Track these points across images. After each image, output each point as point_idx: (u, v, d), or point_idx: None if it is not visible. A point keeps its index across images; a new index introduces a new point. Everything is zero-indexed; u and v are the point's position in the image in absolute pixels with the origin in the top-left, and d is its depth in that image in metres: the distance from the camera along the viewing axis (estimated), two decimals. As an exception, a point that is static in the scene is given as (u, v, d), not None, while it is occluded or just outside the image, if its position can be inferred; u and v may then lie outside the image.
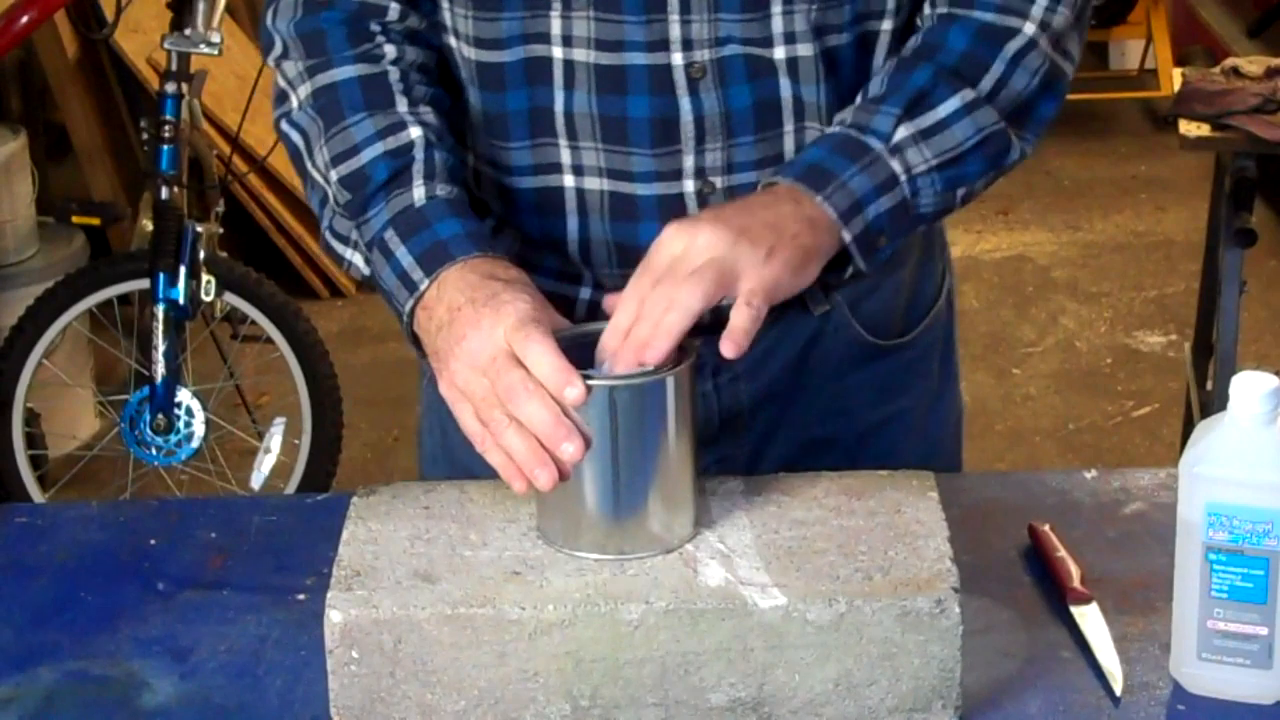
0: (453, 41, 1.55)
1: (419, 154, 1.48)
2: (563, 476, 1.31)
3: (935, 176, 1.48)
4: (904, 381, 1.68)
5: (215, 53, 3.58)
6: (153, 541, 1.60)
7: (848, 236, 1.44)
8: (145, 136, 3.68)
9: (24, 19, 3.86)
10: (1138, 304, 5.04)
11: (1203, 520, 1.31)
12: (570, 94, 1.51)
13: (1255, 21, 5.52)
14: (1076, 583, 1.46)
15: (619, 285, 1.55)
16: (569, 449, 1.30)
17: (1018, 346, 4.78)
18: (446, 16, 1.54)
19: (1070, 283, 5.18)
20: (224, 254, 3.85)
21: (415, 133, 1.49)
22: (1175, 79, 3.67)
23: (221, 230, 3.82)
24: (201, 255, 3.59)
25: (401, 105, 1.50)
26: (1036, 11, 1.50)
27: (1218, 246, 3.52)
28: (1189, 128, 3.41)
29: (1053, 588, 1.47)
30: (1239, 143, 3.40)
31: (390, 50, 1.53)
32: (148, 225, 3.68)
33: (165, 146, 3.58)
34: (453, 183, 1.48)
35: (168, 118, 3.57)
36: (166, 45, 3.58)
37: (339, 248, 1.54)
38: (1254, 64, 3.64)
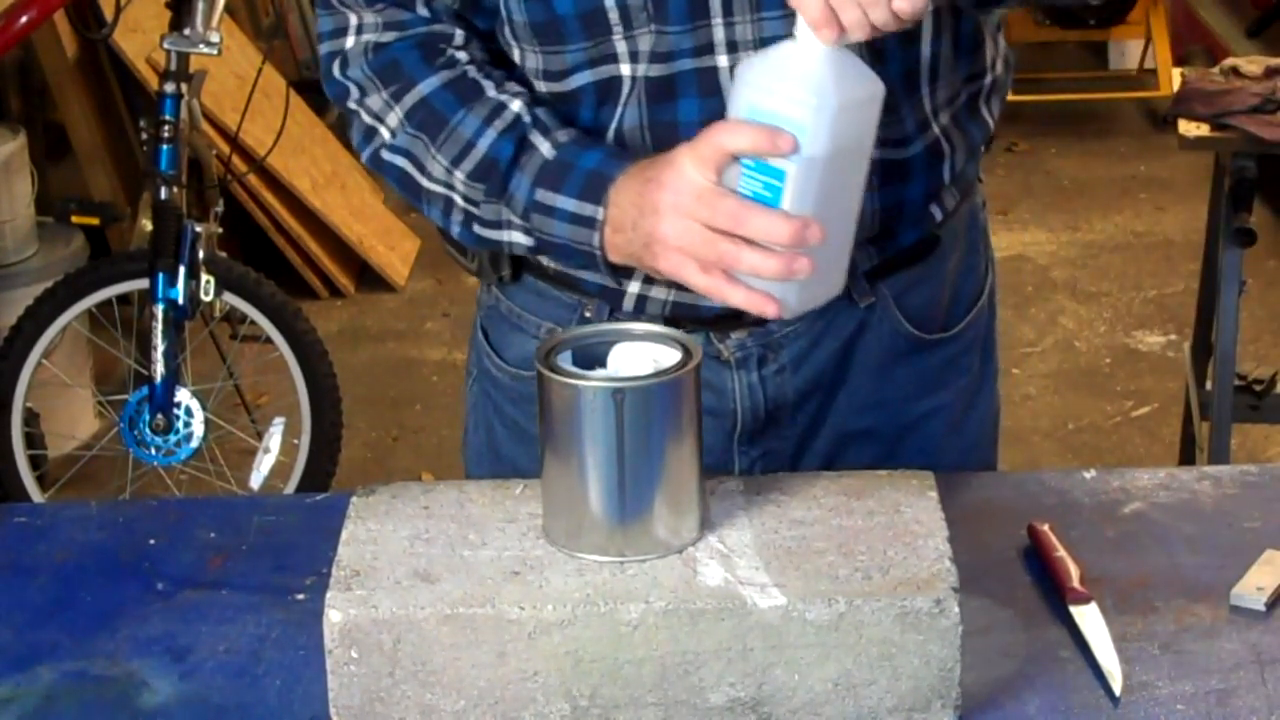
0: (521, 74, 1.57)
1: (527, 119, 1.52)
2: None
3: None
4: (945, 376, 1.70)
5: (214, 53, 3.58)
6: (152, 541, 1.60)
7: None
8: (144, 136, 3.68)
9: (24, 19, 3.86)
10: (1137, 304, 5.04)
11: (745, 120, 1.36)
12: (624, 110, 1.53)
13: (1255, 21, 5.52)
14: (1076, 583, 1.46)
15: (669, 283, 1.55)
16: (814, 234, 1.34)
17: (1017, 346, 4.78)
18: (515, 55, 1.57)
19: (1069, 283, 5.18)
20: (223, 254, 3.84)
21: (516, 105, 1.53)
22: (1175, 79, 3.67)
23: (221, 230, 3.82)
24: (201, 255, 3.59)
25: (491, 90, 1.54)
26: None
27: (1217, 246, 3.52)
28: (1188, 128, 3.41)
29: (1052, 588, 1.47)
30: (1238, 143, 3.40)
31: (462, 55, 1.56)
32: (147, 225, 3.68)
33: (164, 146, 3.58)
34: (566, 127, 1.52)
35: (167, 118, 3.57)
36: (166, 45, 3.58)
37: (493, 234, 1.56)
38: (1253, 64, 3.64)
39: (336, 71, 1.58)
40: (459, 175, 1.53)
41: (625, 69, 1.51)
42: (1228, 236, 3.37)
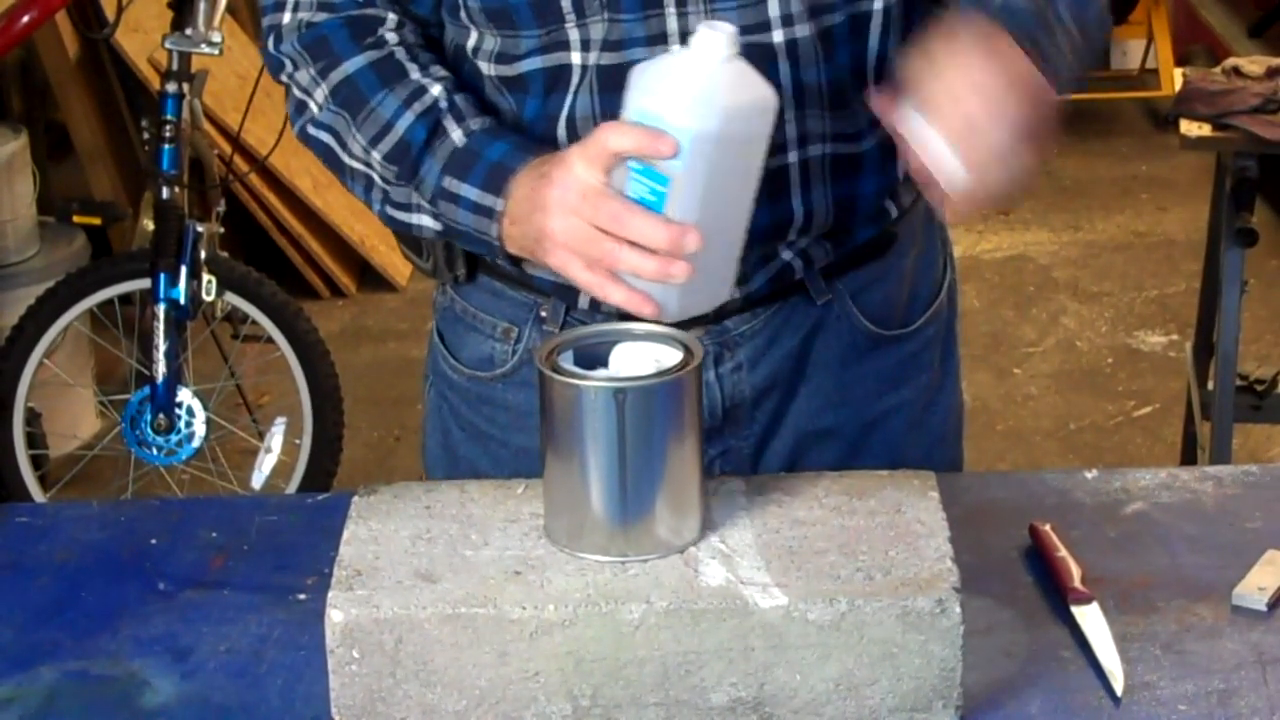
0: (468, 59, 1.58)
1: (444, 104, 1.54)
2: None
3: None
4: (905, 373, 1.70)
5: (216, 52, 3.58)
6: (153, 541, 1.60)
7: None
8: (146, 136, 3.68)
9: (25, 19, 3.86)
10: (1139, 304, 5.04)
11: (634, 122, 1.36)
12: (575, 98, 1.53)
13: (1256, 21, 5.51)
14: (1077, 582, 1.46)
15: None
16: (692, 241, 1.34)
17: (1018, 346, 4.78)
18: (471, 37, 1.57)
19: (1071, 282, 5.18)
20: (225, 254, 3.84)
21: (436, 89, 1.55)
22: (1176, 79, 3.67)
23: (222, 230, 3.82)
24: (202, 255, 3.59)
25: (415, 73, 1.56)
26: None
27: (1219, 246, 3.52)
28: (1190, 127, 3.41)
29: (1053, 588, 1.47)
30: (1240, 142, 3.39)
31: (392, 37, 1.58)
32: (149, 225, 3.68)
33: (166, 146, 3.58)
34: (483, 115, 1.54)
35: (169, 117, 3.57)
36: (167, 45, 3.58)
37: (403, 216, 1.59)
38: (1255, 64, 3.64)
39: (271, 45, 1.61)
40: (376, 155, 1.55)
41: (576, 57, 1.52)
42: (1229, 236, 3.37)
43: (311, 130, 1.60)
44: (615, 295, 1.39)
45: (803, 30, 1.51)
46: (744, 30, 1.49)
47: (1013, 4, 1.46)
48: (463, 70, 1.59)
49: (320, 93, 1.57)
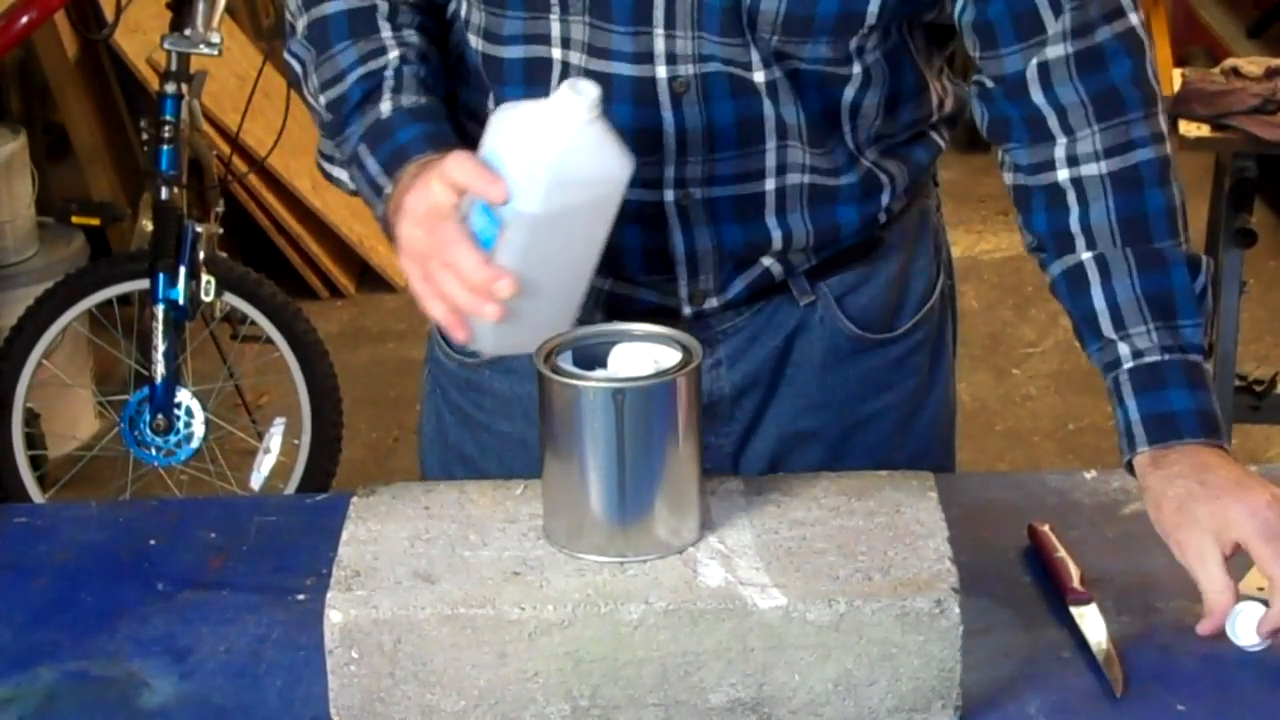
0: (463, 33, 1.59)
1: (389, 72, 1.55)
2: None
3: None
4: (891, 377, 1.69)
5: (215, 53, 3.58)
6: (153, 542, 1.60)
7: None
8: (145, 137, 3.68)
9: (24, 19, 3.86)
10: (1138, 304, 5.03)
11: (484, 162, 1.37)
12: None
13: (1255, 22, 5.52)
14: (1076, 583, 1.46)
15: (609, 272, 1.57)
16: (503, 289, 1.34)
17: (1018, 346, 4.78)
18: (463, 8, 1.58)
19: (1070, 283, 5.17)
20: (224, 254, 3.84)
21: (393, 54, 1.56)
22: (1175, 79, 3.67)
23: (221, 230, 3.82)
24: (201, 255, 3.59)
25: (385, 31, 1.58)
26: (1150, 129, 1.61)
27: (1218, 247, 3.52)
28: (1189, 128, 3.41)
29: (1052, 588, 1.48)
30: (1239, 143, 3.40)
31: None
32: (147, 225, 3.68)
33: (165, 147, 3.58)
34: (421, 94, 1.55)
35: (167, 118, 3.57)
36: (166, 45, 3.58)
37: (328, 166, 1.63)
38: (1254, 64, 3.64)
39: None
40: (322, 99, 1.59)
41: (556, 53, 1.53)
42: (1228, 237, 3.37)
43: (287, 56, 1.64)
44: (436, 311, 1.40)
45: (778, 72, 1.52)
46: (727, 63, 1.51)
47: (1200, 401, 1.48)
48: (464, 52, 1.59)
49: (301, 23, 1.61)
